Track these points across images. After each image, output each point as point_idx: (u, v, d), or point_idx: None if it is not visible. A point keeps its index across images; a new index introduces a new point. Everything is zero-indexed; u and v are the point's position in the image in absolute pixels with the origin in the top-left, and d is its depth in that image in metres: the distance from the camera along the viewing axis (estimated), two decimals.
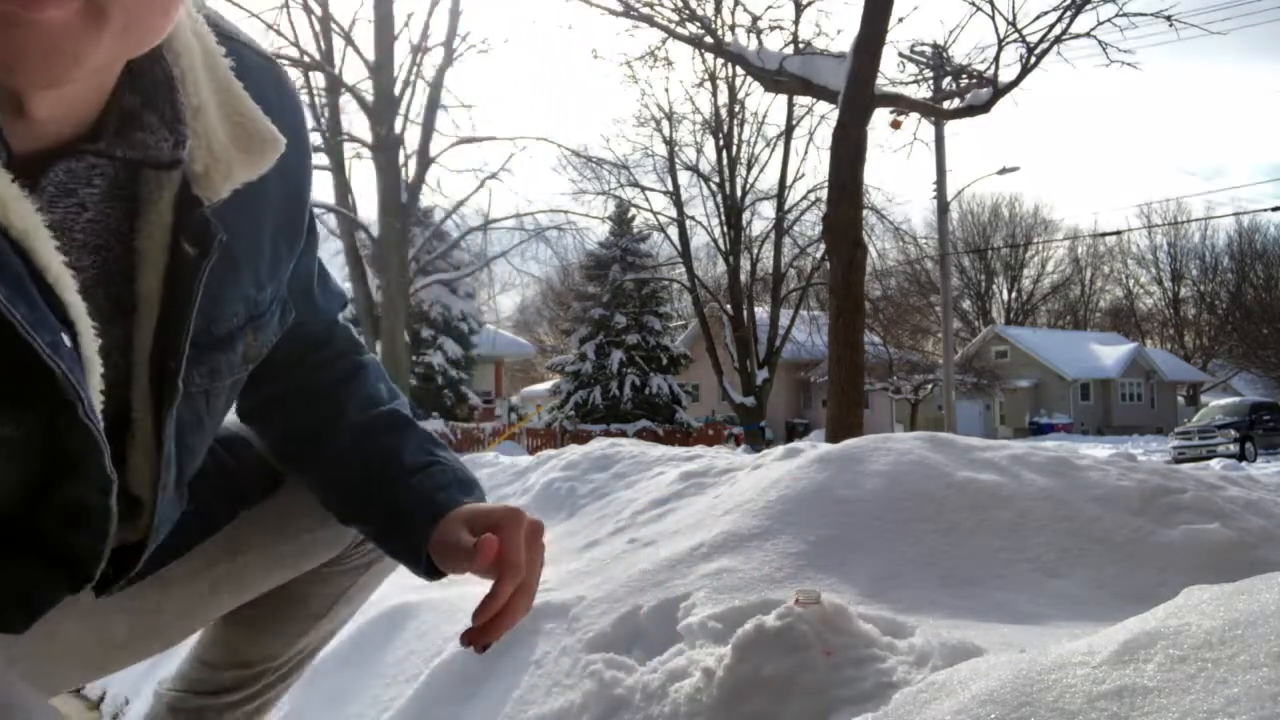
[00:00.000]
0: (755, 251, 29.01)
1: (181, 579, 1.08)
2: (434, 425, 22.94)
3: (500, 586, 0.93)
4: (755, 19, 11.50)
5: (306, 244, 0.99)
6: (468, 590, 2.11)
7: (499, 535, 0.94)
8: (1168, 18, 9.49)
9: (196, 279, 0.79)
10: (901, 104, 10.24)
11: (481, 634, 0.94)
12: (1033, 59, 9.36)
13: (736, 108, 27.69)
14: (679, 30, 10.75)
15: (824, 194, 12.56)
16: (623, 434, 21.32)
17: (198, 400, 0.88)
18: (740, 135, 28.24)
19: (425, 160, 19.32)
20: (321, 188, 18.60)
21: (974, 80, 10.31)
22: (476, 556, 0.92)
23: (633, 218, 29.94)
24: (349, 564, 1.22)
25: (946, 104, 10.82)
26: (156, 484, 0.87)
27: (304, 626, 1.25)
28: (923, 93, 11.51)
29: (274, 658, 1.26)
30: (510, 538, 0.94)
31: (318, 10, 18.71)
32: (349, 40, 18.87)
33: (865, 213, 11.76)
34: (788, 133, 26.91)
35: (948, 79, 11.31)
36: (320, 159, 18.54)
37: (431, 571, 1.01)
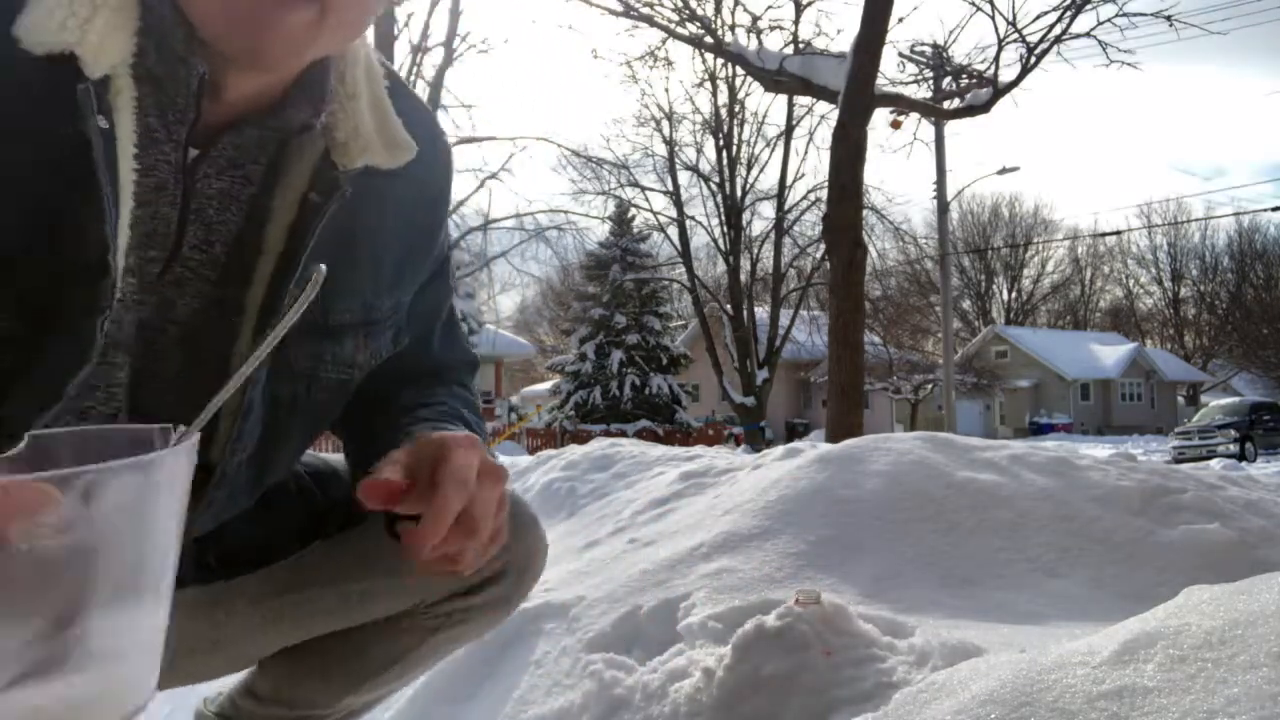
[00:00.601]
0: (755, 251, 28.98)
1: (246, 601, 1.04)
2: None
3: (440, 502, 0.75)
4: (755, 19, 11.50)
5: (434, 280, 1.03)
6: None
7: (443, 458, 0.78)
8: (1168, 18, 9.49)
9: (317, 220, 0.84)
10: (901, 104, 10.23)
11: (417, 539, 0.75)
12: (1033, 59, 9.36)
13: (736, 108, 27.68)
14: (679, 30, 10.75)
15: (824, 194, 12.55)
16: (623, 434, 21.31)
17: (299, 382, 0.91)
18: (740, 135, 28.23)
19: None
20: None
21: (974, 80, 10.30)
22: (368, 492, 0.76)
23: (633, 218, 29.93)
24: (416, 622, 1.12)
25: (946, 104, 10.81)
26: (225, 457, 0.87)
27: (354, 681, 1.17)
28: (923, 93, 11.50)
29: (314, 706, 1.20)
30: (459, 459, 0.78)
31: None
32: None
33: (865, 213, 11.75)
34: (788, 133, 26.89)
35: (948, 79, 11.30)
36: None
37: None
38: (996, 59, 9.45)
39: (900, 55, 11.82)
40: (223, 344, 0.87)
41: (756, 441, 23.80)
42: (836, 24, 48.76)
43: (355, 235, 0.89)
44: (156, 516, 0.47)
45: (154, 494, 0.46)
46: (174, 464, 0.48)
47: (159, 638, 0.49)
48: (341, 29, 0.78)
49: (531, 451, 15.42)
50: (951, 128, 19.72)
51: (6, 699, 0.41)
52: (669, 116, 26.81)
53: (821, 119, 23.43)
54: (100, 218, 0.73)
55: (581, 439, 15.55)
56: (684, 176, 28.19)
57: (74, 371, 0.77)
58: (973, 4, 9.43)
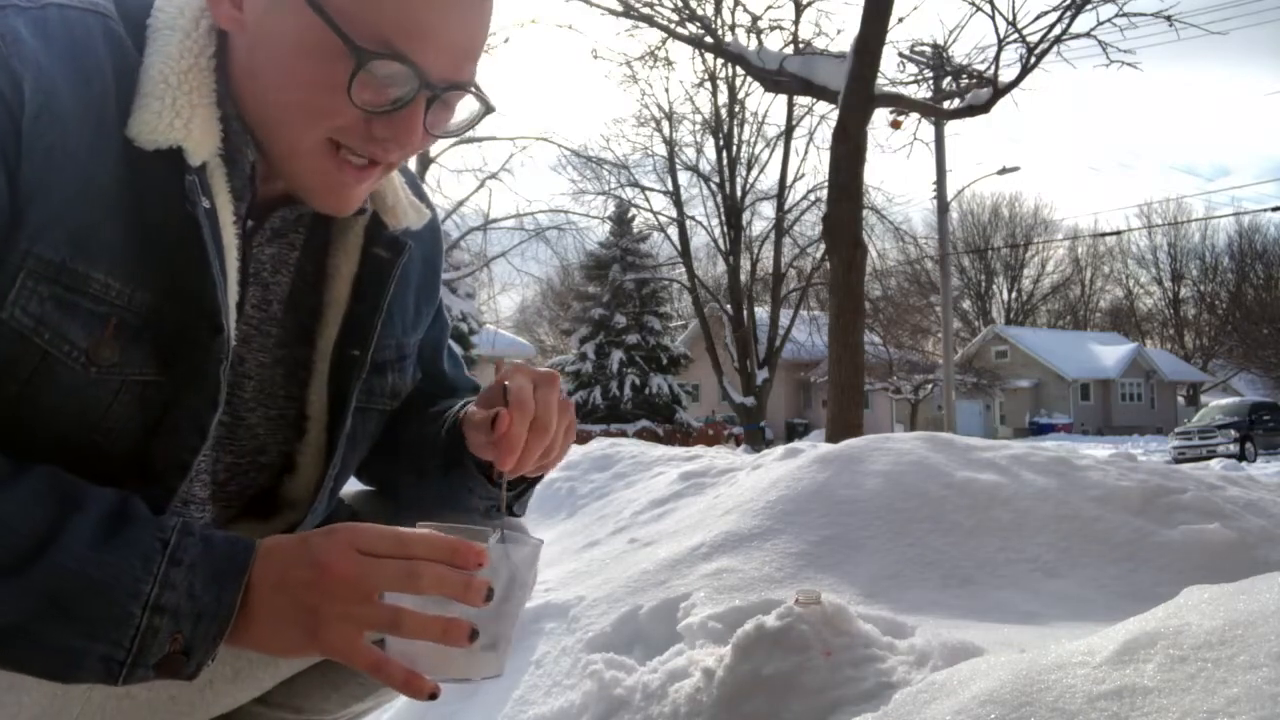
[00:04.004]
0: (755, 251, 28.95)
1: None
2: None
3: (512, 418, 0.92)
4: (755, 19, 11.46)
5: (437, 317, 1.21)
6: None
7: (506, 382, 0.95)
8: (1168, 18, 9.46)
9: (392, 273, 1.03)
10: (901, 104, 10.21)
11: (501, 461, 0.93)
12: (1033, 59, 9.33)
13: (736, 108, 27.65)
14: (679, 30, 10.73)
15: (824, 194, 12.53)
16: (623, 434, 21.30)
17: (355, 415, 1.05)
18: (740, 135, 28.20)
19: (425, 160, 19.32)
20: None
21: (974, 80, 10.28)
22: (494, 428, 0.92)
23: (633, 218, 29.91)
24: None
25: (946, 104, 10.79)
26: (320, 486, 1.03)
27: (364, 690, 1.22)
28: (923, 93, 11.47)
29: (322, 712, 1.23)
30: (516, 384, 0.94)
31: None
32: None
33: (865, 213, 11.73)
34: (788, 133, 26.85)
35: (948, 79, 11.27)
36: None
37: (485, 476, 1.04)
38: (996, 59, 9.42)
39: (900, 55, 11.78)
40: (296, 397, 1.03)
41: (756, 441, 23.79)
42: (836, 24, 48.70)
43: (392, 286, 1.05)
44: (526, 573, 0.86)
45: (529, 565, 0.87)
46: (536, 550, 0.88)
47: (510, 644, 0.86)
48: (381, 180, 0.96)
49: None
50: (951, 128, 19.69)
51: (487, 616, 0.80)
52: (669, 116, 26.81)
53: (821, 119, 23.39)
54: (211, 282, 0.86)
55: (581, 439, 15.53)
56: (684, 176, 28.21)
57: (211, 412, 0.89)
58: (973, 4, 9.41)
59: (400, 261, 1.03)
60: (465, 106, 0.93)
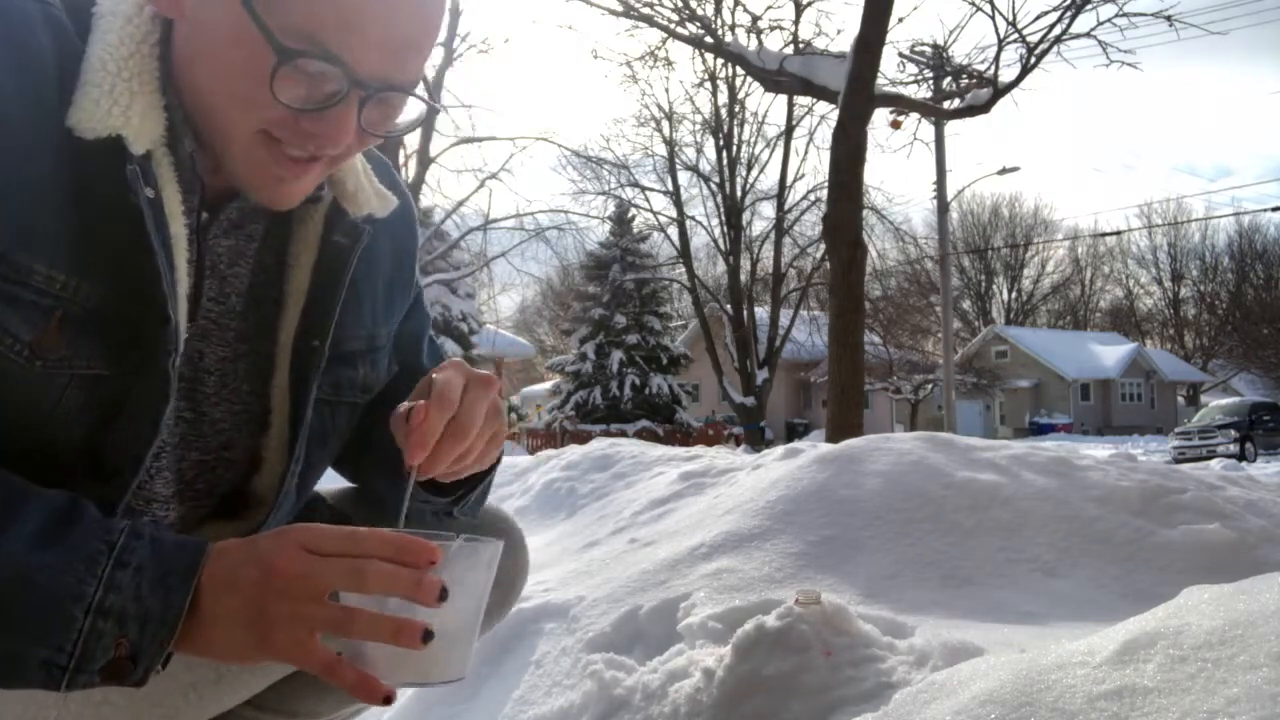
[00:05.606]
0: (755, 251, 28.98)
1: None
2: None
3: (428, 411, 0.87)
4: (755, 19, 11.46)
5: (415, 307, 1.17)
6: None
7: (437, 376, 0.91)
8: (1168, 18, 9.46)
9: (349, 259, 1.00)
10: (901, 104, 10.22)
11: (409, 455, 0.88)
12: (1033, 59, 9.34)
13: (736, 108, 27.67)
14: (679, 30, 10.73)
15: (824, 194, 12.54)
16: (623, 434, 21.29)
17: (323, 410, 1.03)
18: (740, 135, 28.22)
19: (425, 160, 19.29)
20: None
21: (974, 80, 10.28)
22: (409, 422, 0.88)
23: (633, 218, 29.91)
24: None
25: (946, 104, 10.80)
26: (283, 481, 1.00)
27: None
28: (923, 93, 11.47)
29: (318, 715, 1.22)
30: (444, 379, 0.91)
31: None
32: None
33: (865, 213, 11.73)
34: (788, 133, 26.86)
35: (948, 79, 11.27)
36: None
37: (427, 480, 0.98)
38: (996, 59, 9.43)
39: (900, 55, 11.78)
40: (260, 392, 1.00)
41: (756, 442, 23.80)
42: (836, 24, 48.49)
43: (358, 274, 1.02)
44: (484, 574, 0.82)
45: (486, 566, 0.82)
46: (495, 550, 0.82)
47: (473, 648, 0.83)
48: (332, 169, 0.93)
49: (531, 451, 15.38)
50: (951, 128, 19.68)
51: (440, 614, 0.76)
52: (669, 116, 26.82)
53: (821, 119, 23.39)
54: (157, 273, 0.84)
55: (581, 439, 15.53)
56: (684, 176, 28.24)
57: (161, 405, 0.87)
58: (973, 4, 9.42)
59: (358, 247, 1.00)
60: (416, 104, 0.91)
